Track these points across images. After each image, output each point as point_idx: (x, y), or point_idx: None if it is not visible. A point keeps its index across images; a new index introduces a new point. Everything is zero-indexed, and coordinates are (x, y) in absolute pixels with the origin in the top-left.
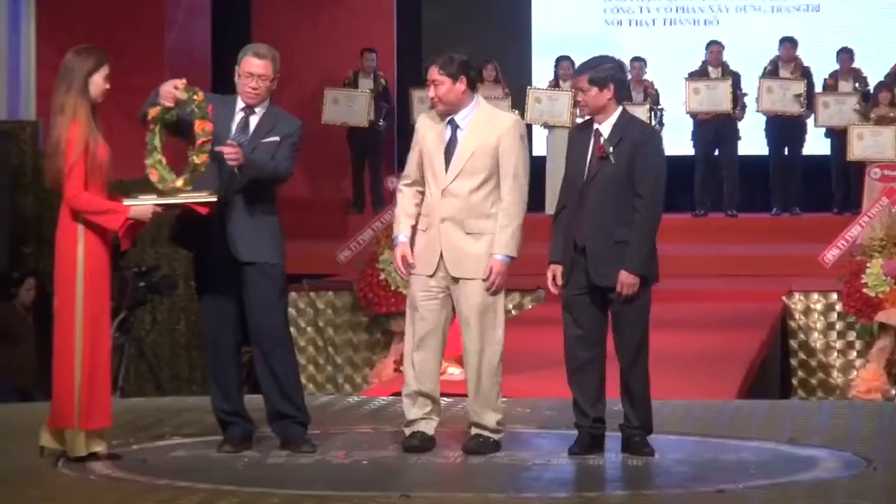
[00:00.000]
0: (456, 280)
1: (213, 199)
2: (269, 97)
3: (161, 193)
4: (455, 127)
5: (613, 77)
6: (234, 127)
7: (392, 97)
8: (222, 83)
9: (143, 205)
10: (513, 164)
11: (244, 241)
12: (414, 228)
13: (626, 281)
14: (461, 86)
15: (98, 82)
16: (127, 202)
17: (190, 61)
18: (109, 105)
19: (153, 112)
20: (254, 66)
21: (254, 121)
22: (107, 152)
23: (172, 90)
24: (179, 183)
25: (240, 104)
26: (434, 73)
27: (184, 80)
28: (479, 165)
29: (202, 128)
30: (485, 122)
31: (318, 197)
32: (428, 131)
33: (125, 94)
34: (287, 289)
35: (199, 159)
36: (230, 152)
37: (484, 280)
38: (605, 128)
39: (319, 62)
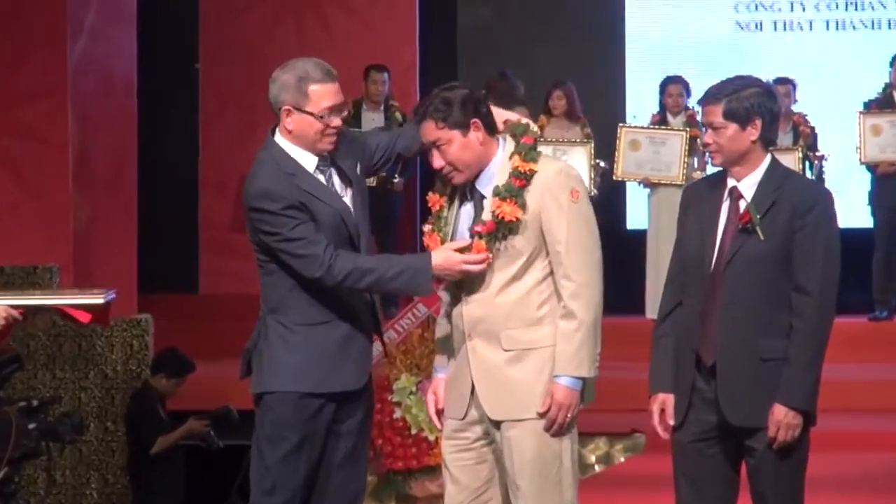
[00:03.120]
0: (498, 424)
1: (101, 300)
2: None
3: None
4: (479, 198)
5: (761, 108)
6: (348, 201)
7: None
8: (151, 115)
9: None
10: (564, 233)
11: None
12: None
13: (784, 420)
14: (478, 134)
15: None
16: None
17: (105, 81)
18: None
19: None
20: (335, 95)
21: (336, 173)
22: None
23: None
24: None
25: (310, 161)
26: (431, 129)
27: None
28: (512, 247)
29: None
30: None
31: None
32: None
33: (8, 134)
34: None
35: None
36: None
37: (540, 416)
38: (748, 185)
39: None
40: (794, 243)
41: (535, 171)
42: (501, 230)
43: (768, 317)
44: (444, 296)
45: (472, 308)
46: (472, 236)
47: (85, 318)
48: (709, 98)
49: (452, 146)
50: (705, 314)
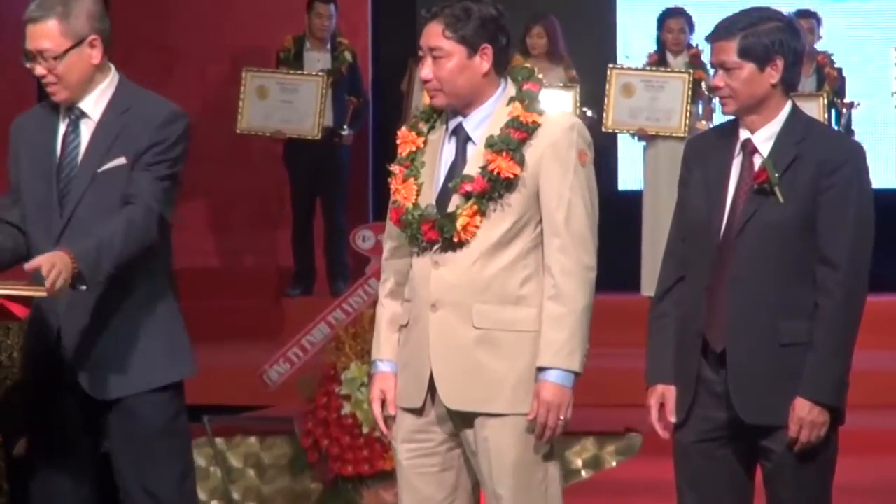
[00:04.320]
0: (467, 418)
1: (42, 293)
2: (112, 71)
3: None
4: (464, 139)
5: (783, 46)
6: (58, 148)
7: (365, 83)
8: None
9: None
10: (566, 202)
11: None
12: None
13: (808, 417)
14: (483, 63)
15: None
16: None
17: None
18: None
19: None
20: (28, 38)
21: (88, 127)
22: None
23: None
24: None
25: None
26: (435, 34)
27: None
28: (501, 208)
29: None
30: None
31: (229, 266)
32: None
33: None
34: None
35: None
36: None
37: (530, 418)
38: (764, 137)
39: (230, 23)
40: (818, 207)
41: (539, 125)
42: (497, 189)
43: (788, 294)
44: (394, 267)
45: (443, 273)
46: (456, 194)
47: (23, 312)
48: (720, 33)
49: (450, 62)
50: (713, 291)
